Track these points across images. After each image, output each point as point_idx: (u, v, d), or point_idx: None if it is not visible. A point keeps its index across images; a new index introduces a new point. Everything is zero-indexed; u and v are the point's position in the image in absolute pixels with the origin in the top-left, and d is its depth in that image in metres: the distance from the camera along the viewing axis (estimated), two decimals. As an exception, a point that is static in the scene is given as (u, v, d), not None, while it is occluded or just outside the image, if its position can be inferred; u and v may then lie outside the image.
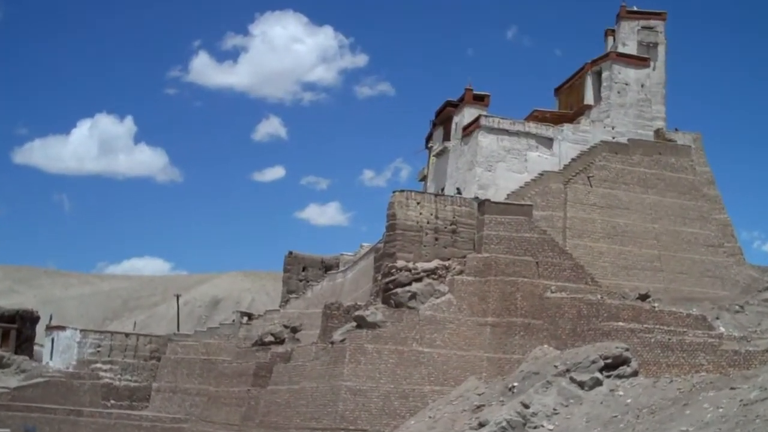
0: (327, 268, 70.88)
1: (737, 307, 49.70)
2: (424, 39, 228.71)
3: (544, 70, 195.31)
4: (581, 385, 37.32)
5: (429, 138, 65.93)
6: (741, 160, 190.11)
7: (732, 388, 31.93)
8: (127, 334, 67.96)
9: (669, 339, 42.58)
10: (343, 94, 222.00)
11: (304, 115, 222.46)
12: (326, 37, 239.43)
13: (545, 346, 43.75)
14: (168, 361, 61.92)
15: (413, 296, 46.23)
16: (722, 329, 45.22)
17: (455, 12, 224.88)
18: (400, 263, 47.50)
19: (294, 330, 56.91)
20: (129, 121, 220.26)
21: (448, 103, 60.92)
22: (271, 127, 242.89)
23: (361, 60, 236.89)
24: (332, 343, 46.18)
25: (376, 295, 49.07)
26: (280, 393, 47.58)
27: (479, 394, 41.95)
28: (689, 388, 34.67)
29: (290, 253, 72.77)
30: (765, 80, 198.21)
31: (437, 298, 46.53)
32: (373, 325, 45.11)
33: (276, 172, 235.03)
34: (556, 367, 38.56)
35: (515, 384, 39.73)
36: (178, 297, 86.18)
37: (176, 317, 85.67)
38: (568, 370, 37.92)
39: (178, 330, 75.61)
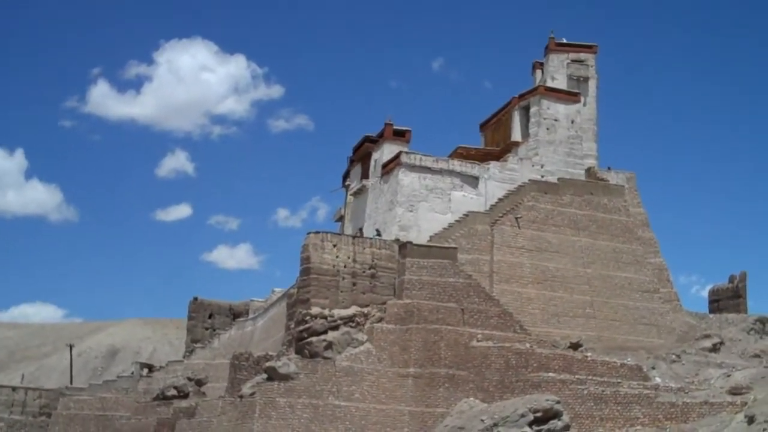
0: (235, 315, 70.90)
1: (674, 356, 50.25)
2: (345, 69, 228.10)
3: (472, 104, 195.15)
4: (510, 440, 37.19)
5: (346, 175, 65.87)
6: (677, 201, 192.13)
7: (669, 443, 32.25)
8: (14, 388, 66.76)
9: (602, 390, 42.62)
10: (257, 127, 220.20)
11: (213, 149, 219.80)
12: (238, 66, 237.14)
13: (471, 398, 43.60)
14: (59, 418, 60.42)
15: (329, 346, 45.74)
16: (658, 380, 45.65)
17: (378, 41, 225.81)
18: (314, 310, 46.98)
19: (199, 383, 56.27)
20: (19, 155, 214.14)
21: (367, 139, 60.95)
22: (176, 163, 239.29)
23: (276, 91, 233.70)
24: (241, 396, 45.52)
25: (289, 344, 48.54)
26: (183, 452, 46.84)
27: (400, 452, 41.80)
28: (625, 444, 34.93)
29: (195, 298, 72.76)
30: (702, 118, 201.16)
31: (355, 347, 46.07)
32: (286, 377, 44.53)
33: (182, 211, 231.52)
34: (482, 421, 38.40)
35: (439, 440, 39.56)
36: (71, 347, 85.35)
37: (69, 369, 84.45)
38: (495, 425, 37.75)
39: (71, 383, 74.57)
